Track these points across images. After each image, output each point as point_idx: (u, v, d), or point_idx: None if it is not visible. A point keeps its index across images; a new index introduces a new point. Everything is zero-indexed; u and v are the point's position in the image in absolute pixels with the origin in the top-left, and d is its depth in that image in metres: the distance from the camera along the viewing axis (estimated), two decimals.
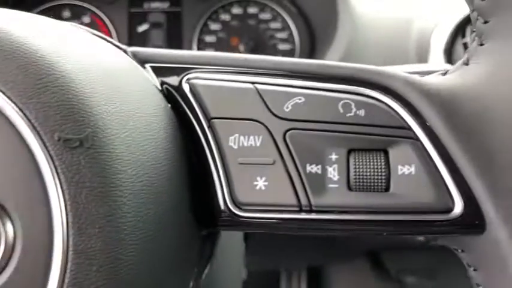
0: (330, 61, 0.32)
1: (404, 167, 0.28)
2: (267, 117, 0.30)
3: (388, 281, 0.94)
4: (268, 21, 0.92)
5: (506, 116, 0.27)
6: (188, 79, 0.31)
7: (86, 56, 0.26)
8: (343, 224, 0.29)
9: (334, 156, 0.29)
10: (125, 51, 0.33)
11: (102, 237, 0.22)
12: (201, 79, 0.31)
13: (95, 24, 0.94)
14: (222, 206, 0.30)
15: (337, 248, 0.90)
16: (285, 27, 0.92)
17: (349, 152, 0.29)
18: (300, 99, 0.30)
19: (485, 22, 0.29)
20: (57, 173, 0.22)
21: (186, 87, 0.31)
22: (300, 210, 0.29)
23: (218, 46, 0.93)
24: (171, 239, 0.28)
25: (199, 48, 0.93)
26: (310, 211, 0.29)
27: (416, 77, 0.29)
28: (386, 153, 0.29)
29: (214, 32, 0.93)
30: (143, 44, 0.94)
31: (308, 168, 0.29)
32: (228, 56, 0.32)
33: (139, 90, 0.29)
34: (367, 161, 0.29)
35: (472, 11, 0.30)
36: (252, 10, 0.93)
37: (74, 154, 0.22)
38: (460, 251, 0.31)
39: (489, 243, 0.27)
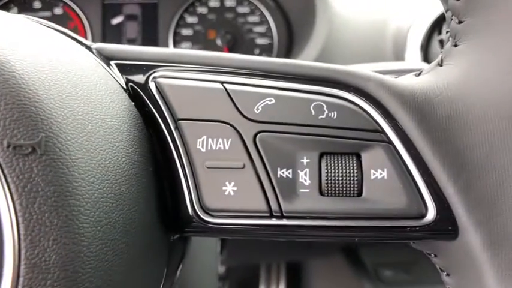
0: (302, 61, 0.31)
1: (377, 172, 0.27)
2: (236, 119, 0.29)
3: (365, 275, 0.95)
4: (246, 15, 0.91)
5: (477, 120, 0.26)
6: (154, 77, 0.30)
7: (41, 54, 0.25)
8: (315, 230, 0.28)
9: (305, 160, 0.28)
10: (89, 48, 0.31)
11: (57, 250, 0.21)
12: (168, 78, 0.30)
13: (67, 16, 0.91)
14: (190, 212, 0.29)
15: (315, 244, 0.90)
16: (263, 21, 0.90)
17: (321, 155, 0.28)
18: (270, 100, 0.29)
19: (460, 22, 0.28)
20: (7, 182, 0.21)
21: (152, 86, 0.30)
22: (271, 216, 0.28)
23: (195, 39, 0.91)
24: (136, 247, 0.27)
25: (175, 42, 0.91)
26: (281, 217, 0.28)
27: (390, 78, 0.29)
28: (358, 157, 0.28)
29: (191, 25, 0.91)
30: (117, 37, 0.91)
31: (279, 172, 0.28)
32: (196, 53, 0.31)
33: (102, 90, 0.27)
34: (339, 165, 0.28)
35: (447, 10, 0.29)
36: (229, 3, 0.91)
37: (25, 161, 0.21)
38: (433, 255, 0.30)
39: (462, 248, 0.27)
